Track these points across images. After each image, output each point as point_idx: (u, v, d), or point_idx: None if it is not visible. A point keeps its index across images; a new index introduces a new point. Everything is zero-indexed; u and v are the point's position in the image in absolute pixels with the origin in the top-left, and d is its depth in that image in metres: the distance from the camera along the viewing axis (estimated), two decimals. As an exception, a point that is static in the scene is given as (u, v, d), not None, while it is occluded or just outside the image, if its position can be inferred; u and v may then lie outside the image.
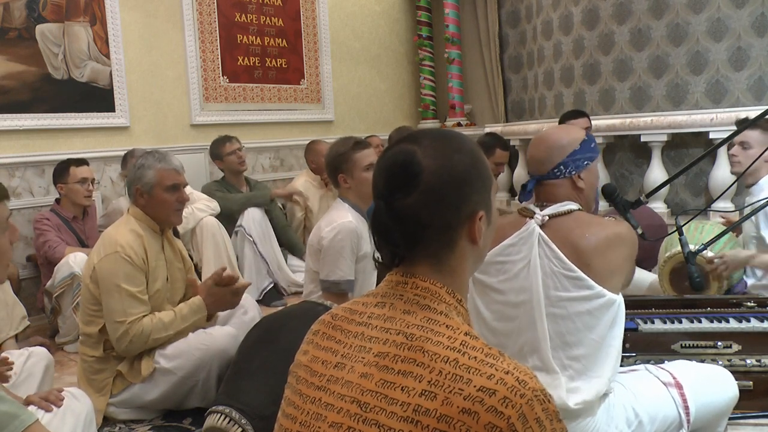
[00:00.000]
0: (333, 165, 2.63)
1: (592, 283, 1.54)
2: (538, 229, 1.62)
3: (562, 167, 1.67)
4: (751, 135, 2.94)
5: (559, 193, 1.68)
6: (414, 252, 0.98)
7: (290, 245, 4.51)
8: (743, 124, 2.48)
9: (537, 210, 1.67)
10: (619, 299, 1.59)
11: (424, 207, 0.94)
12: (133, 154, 3.90)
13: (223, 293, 2.55)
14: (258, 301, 4.01)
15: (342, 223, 2.50)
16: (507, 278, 1.64)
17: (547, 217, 1.63)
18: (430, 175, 0.94)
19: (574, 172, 1.68)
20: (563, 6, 5.03)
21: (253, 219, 4.15)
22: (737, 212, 3.44)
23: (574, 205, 1.66)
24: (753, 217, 2.84)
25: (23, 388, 2.17)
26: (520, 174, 5.44)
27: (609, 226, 1.62)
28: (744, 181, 3.04)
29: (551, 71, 5.28)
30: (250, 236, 4.13)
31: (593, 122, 3.82)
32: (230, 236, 4.17)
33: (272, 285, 4.17)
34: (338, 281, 2.50)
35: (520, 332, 1.62)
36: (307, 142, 4.91)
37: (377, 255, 1.02)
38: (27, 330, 3.19)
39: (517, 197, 5.64)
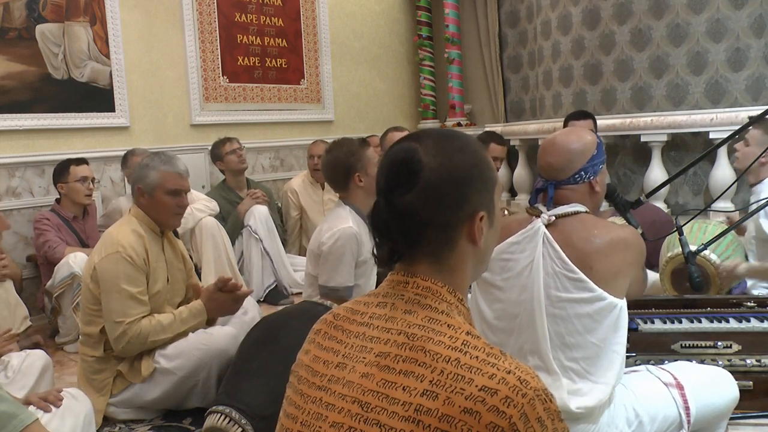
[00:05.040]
0: (346, 165, 2.56)
1: (593, 285, 1.54)
2: (543, 228, 1.62)
3: (582, 173, 1.67)
4: (753, 133, 2.96)
5: (574, 197, 1.67)
6: (414, 250, 0.98)
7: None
8: (753, 121, 2.47)
9: (544, 209, 1.67)
10: (622, 304, 1.58)
11: (423, 204, 0.94)
12: (134, 153, 3.90)
13: (225, 299, 2.54)
14: (261, 300, 4.03)
15: (342, 228, 2.48)
16: (510, 276, 1.64)
17: (554, 217, 1.63)
18: (430, 172, 0.94)
19: (592, 177, 1.69)
20: (562, 6, 5.04)
21: (259, 218, 4.15)
22: (738, 212, 3.45)
23: (581, 207, 1.66)
24: (754, 216, 2.84)
25: (17, 387, 2.16)
26: (520, 174, 5.44)
27: (614, 230, 1.62)
28: (747, 180, 3.06)
29: (549, 71, 5.28)
30: (257, 234, 4.13)
31: (594, 122, 3.81)
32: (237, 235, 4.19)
33: (275, 284, 4.18)
34: (337, 287, 2.49)
35: (521, 331, 1.62)
36: (306, 141, 4.90)
37: (375, 251, 1.01)
38: (28, 330, 3.19)
39: (525, 200, 5.63)
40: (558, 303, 1.57)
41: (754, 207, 2.63)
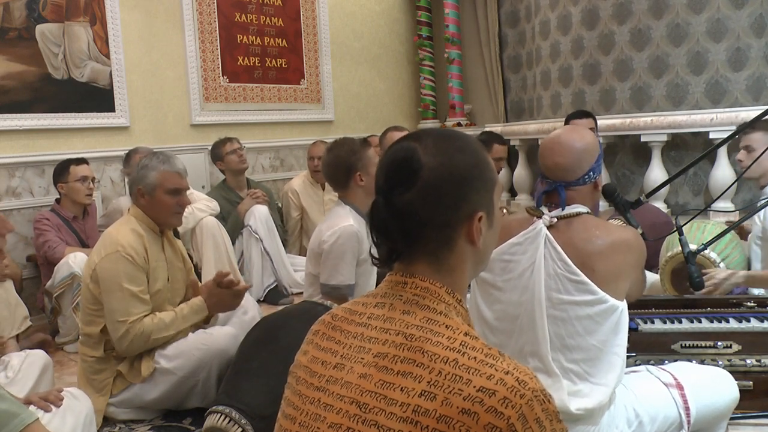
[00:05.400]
0: (348, 164, 2.56)
1: (595, 288, 1.53)
2: (545, 230, 1.60)
3: (591, 173, 1.66)
4: (754, 138, 2.95)
5: (578, 198, 1.66)
6: (412, 250, 0.98)
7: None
8: (742, 128, 2.47)
9: (546, 210, 1.66)
10: (622, 306, 1.57)
11: (422, 203, 0.94)
12: (137, 151, 3.90)
13: (224, 295, 2.55)
14: (261, 300, 4.03)
15: (343, 227, 2.48)
16: (511, 277, 1.63)
17: (556, 219, 1.62)
18: (429, 171, 0.94)
19: (597, 176, 1.68)
20: (561, 6, 5.03)
21: (259, 217, 4.16)
22: (738, 212, 3.45)
23: (583, 208, 1.65)
24: (758, 219, 2.84)
25: (17, 387, 2.16)
26: (520, 174, 5.44)
27: (616, 231, 1.61)
28: (757, 183, 3.06)
29: (548, 71, 5.28)
30: (257, 234, 4.14)
31: (593, 122, 3.81)
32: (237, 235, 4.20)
33: (275, 284, 4.18)
34: (338, 285, 2.49)
35: (521, 332, 1.61)
36: (306, 141, 4.90)
37: (373, 251, 1.01)
38: (29, 330, 3.19)
39: (516, 200, 5.63)
40: (559, 305, 1.56)
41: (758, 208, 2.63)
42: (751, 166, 2.69)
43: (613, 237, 1.58)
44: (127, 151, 4.03)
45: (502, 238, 1.63)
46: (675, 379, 1.70)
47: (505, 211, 3.96)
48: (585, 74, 4.92)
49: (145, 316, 2.39)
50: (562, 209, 1.64)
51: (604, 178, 4.56)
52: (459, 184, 0.96)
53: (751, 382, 2.11)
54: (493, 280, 1.66)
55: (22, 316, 3.10)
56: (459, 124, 6.26)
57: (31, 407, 1.81)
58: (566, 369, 1.57)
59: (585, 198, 1.67)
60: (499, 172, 4.74)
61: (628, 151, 4.79)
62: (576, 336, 1.56)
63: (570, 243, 1.58)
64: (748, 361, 2.15)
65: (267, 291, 4.15)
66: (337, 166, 2.60)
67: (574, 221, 1.62)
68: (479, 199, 0.98)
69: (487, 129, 5.47)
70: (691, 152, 4.46)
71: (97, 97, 4.19)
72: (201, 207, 4.00)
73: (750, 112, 3.84)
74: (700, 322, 2.25)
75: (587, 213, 1.66)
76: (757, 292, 2.84)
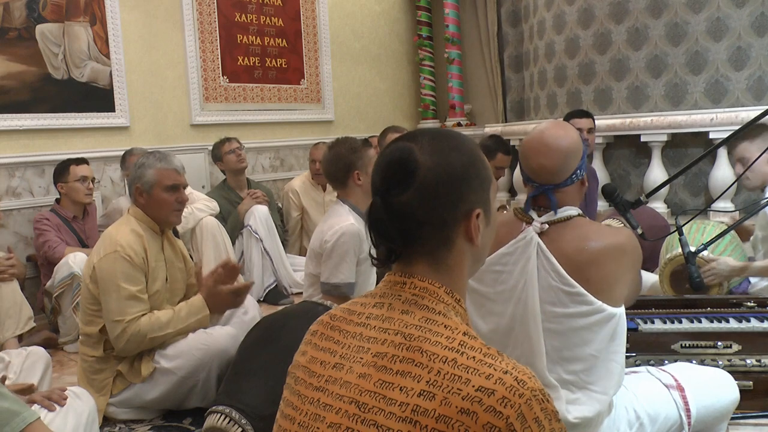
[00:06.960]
0: (347, 162, 2.57)
1: (591, 298, 1.48)
2: (536, 238, 1.53)
3: (578, 171, 1.59)
4: (743, 148, 2.94)
5: (567, 200, 1.59)
6: (411, 250, 0.98)
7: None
8: (741, 129, 2.40)
9: (535, 215, 1.59)
10: (620, 312, 1.52)
11: (419, 203, 0.94)
12: (132, 152, 3.91)
13: (225, 294, 2.54)
14: (261, 300, 4.03)
15: (345, 225, 2.49)
16: (504, 289, 1.57)
17: (546, 225, 1.55)
18: (426, 171, 0.94)
19: (584, 173, 1.61)
20: (556, 5, 5.03)
21: (259, 217, 4.17)
22: (738, 212, 3.45)
23: (573, 211, 1.58)
24: (762, 219, 2.84)
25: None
26: (520, 174, 5.43)
27: (609, 235, 1.54)
28: (761, 191, 3.05)
29: (544, 71, 5.28)
30: (257, 234, 4.14)
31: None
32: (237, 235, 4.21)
33: (275, 284, 4.18)
34: (339, 284, 2.49)
35: (516, 345, 1.56)
36: (306, 141, 4.90)
37: (373, 252, 1.01)
38: (32, 330, 3.20)
39: (515, 200, 5.63)
40: (554, 318, 1.51)
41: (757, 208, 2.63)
42: (744, 172, 2.69)
43: (606, 242, 1.51)
44: (124, 151, 4.03)
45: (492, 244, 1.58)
46: (675, 380, 1.69)
47: (505, 210, 3.95)
48: (580, 74, 4.92)
49: (142, 315, 2.39)
50: (555, 213, 1.57)
51: (603, 178, 4.55)
52: (456, 183, 0.96)
53: (751, 382, 2.11)
54: (486, 291, 1.60)
55: (27, 316, 3.11)
56: (459, 124, 6.26)
57: (35, 407, 1.81)
58: (564, 380, 1.53)
59: (573, 198, 1.61)
60: (498, 179, 4.73)
61: (626, 151, 4.79)
62: (573, 348, 1.51)
63: (562, 252, 1.51)
64: (748, 361, 2.15)
65: (267, 291, 4.15)
66: (336, 164, 2.61)
67: (566, 227, 1.55)
68: (476, 197, 0.99)
69: (489, 131, 5.47)
70: (690, 152, 4.46)
71: (97, 97, 4.19)
72: (201, 207, 4.00)
73: (750, 112, 3.84)
74: (700, 322, 2.24)
75: (578, 215, 1.59)
76: (765, 284, 2.83)
